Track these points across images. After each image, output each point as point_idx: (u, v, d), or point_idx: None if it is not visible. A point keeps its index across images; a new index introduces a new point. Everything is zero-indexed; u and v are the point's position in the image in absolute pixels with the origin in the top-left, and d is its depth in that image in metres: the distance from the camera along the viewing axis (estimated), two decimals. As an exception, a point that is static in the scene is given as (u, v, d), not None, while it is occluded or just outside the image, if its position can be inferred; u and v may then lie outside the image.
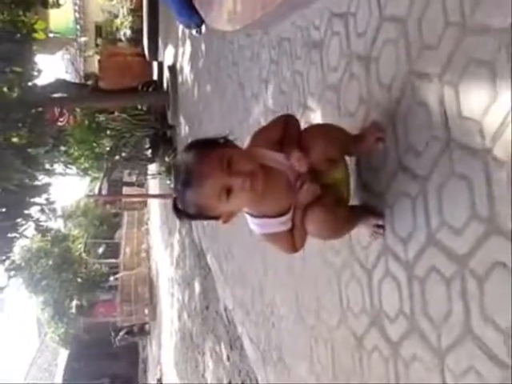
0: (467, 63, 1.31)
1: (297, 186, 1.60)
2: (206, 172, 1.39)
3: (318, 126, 2.02)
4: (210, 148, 1.47)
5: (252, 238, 3.43)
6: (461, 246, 1.32)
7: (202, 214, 1.48)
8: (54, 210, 10.20)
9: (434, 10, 1.45)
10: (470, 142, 1.30)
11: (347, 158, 1.82)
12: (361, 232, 1.83)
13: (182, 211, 1.48)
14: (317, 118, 2.32)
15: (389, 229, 1.68)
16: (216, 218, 1.52)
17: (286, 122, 1.69)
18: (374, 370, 1.79)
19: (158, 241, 12.91)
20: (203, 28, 5.59)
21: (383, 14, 1.77)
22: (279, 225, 1.61)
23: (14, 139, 8.40)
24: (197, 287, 6.11)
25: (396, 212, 1.65)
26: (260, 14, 2.86)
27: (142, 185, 17.17)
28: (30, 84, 8.53)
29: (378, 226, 1.71)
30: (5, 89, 8.16)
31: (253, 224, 1.65)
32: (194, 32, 5.84)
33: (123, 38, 15.30)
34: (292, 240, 1.67)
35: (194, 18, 5.39)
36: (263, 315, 3.21)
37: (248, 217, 1.64)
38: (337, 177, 1.72)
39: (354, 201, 1.89)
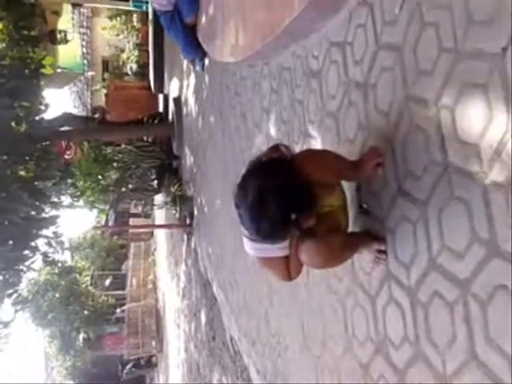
0: (462, 87, 1.32)
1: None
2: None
3: (311, 150, 2.03)
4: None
5: (256, 266, 3.41)
6: (462, 269, 1.31)
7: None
8: (61, 243, 10.20)
9: (428, 36, 1.48)
10: (467, 165, 1.30)
11: (345, 183, 1.83)
12: (363, 258, 1.82)
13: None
14: (317, 145, 2.34)
15: (391, 254, 1.67)
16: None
17: (277, 149, 1.69)
18: (380, 399, 1.75)
19: (165, 272, 12.85)
20: (206, 62, 5.71)
21: (379, 42, 1.80)
22: (276, 250, 1.61)
23: (22, 172, 8.49)
24: (203, 318, 6.04)
25: (397, 237, 1.64)
26: (260, 45, 2.92)
27: (148, 216, 17.20)
28: (37, 118, 8.67)
29: (380, 252, 1.70)
30: (12, 123, 8.28)
31: (250, 248, 1.65)
32: (197, 67, 5.97)
33: (129, 72, 15.62)
34: (287, 267, 1.67)
35: (198, 53, 5.52)
36: (269, 345, 3.16)
37: (246, 240, 1.64)
38: (333, 203, 1.72)
39: (354, 226, 1.89)
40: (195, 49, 5.62)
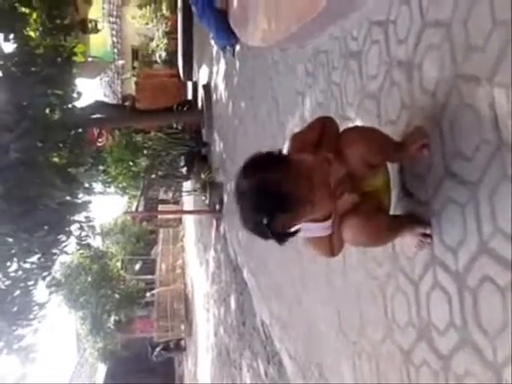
0: (518, 63, 1.26)
1: (336, 194, 1.56)
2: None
3: (357, 128, 1.96)
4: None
5: (289, 252, 3.39)
6: (516, 253, 1.26)
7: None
8: (92, 227, 10.41)
9: (481, 10, 1.41)
10: (523, 144, 1.25)
11: (389, 164, 1.78)
12: (406, 242, 1.78)
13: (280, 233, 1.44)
14: (356, 127, 2.29)
15: (436, 238, 1.62)
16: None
17: (324, 124, 1.65)
18: (422, 386, 1.72)
19: (194, 257, 12.98)
20: (237, 48, 5.67)
21: (425, 19, 1.74)
22: (324, 229, 1.58)
23: (55, 159, 8.66)
24: (233, 303, 6.07)
25: (444, 220, 1.59)
26: (295, 28, 2.87)
27: (177, 202, 17.36)
28: (70, 106, 8.80)
29: (425, 236, 1.65)
30: (47, 111, 8.43)
31: (303, 229, 1.62)
32: (228, 54, 5.94)
33: (159, 60, 15.69)
34: (331, 245, 1.64)
35: (230, 38, 5.48)
36: (302, 330, 3.15)
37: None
38: (376, 184, 1.67)
39: (397, 210, 1.84)
40: (227, 35, 5.58)
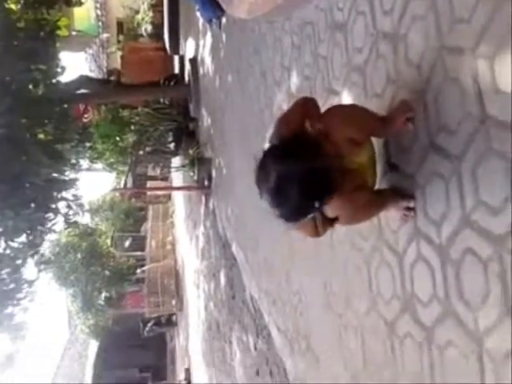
0: (503, 34, 1.25)
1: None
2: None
3: (339, 106, 1.98)
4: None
5: (277, 226, 3.40)
6: (498, 226, 1.27)
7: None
8: (81, 205, 10.35)
9: (466, -20, 1.39)
10: (507, 117, 1.24)
11: (374, 139, 1.78)
12: (390, 215, 1.79)
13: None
14: (343, 101, 2.27)
15: (420, 211, 1.63)
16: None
17: (304, 105, 1.67)
18: (406, 356, 1.75)
19: (183, 233, 13.01)
20: (223, 20, 5.56)
21: (410, -10, 1.71)
22: None
23: (41, 135, 8.53)
24: (222, 278, 6.12)
25: (428, 194, 1.59)
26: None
27: (165, 178, 17.29)
28: (54, 81, 8.63)
29: (409, 209, 1.66)
30: (30, 86, 8.26)
31: None
32: (214, 26, 5.83)
33: (144, 34, 15.38)
34: (315, 224, 1.65)
35: (216, 11, 5.37)
36: (290, 304, 3.18)
37: None
38: (361, 160, 1.67)
39: (382, 184, 1.84)
40: (213, 7, 5.47)
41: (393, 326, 1.82)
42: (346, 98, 2.24)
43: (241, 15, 4.24)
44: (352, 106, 1.78)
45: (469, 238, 1.38)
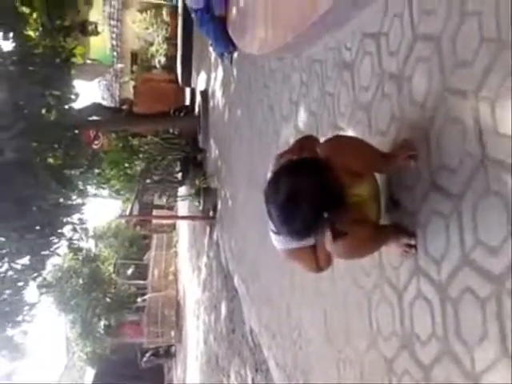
0: (504, 78, 1.29)
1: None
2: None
3: (340, 135, 2.01)
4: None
5: (279, 259, 3.40)
6: (497, 265, 1.28)
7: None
8: (85, 230, 10.38)
9: (469, 27, 1.44)
10: (505, 158, 1.27)
11: (377, 176, 1.80)
12: (392, 251, 1.79)
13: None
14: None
15: (421, 249, 1.64)
16: None
17: (301, 143, 1.75)
18: (404, 395, 1.73)
19: (186, 263, 12.95)
20: (235, 55, 5.71)
21: (416, 33, 1.77)
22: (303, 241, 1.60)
23: (50, 160, 8.64)
24: (223, 310, 6.06)
25: (429, 231, 1.61)
26: (291, 36, 2.90)
27: (171, 207, 17.33)
28: (67, 107, 8.80)
29: (409, 246, 1.67)
30: (43, 111, 8.43)
31: (275, 240, 1.65)
32: (226, 61, 5.98)
33: (158, 65, 15.74)
34: (315, 257, 1.66)
35: (228, 46, 5.53)
36: (290, 338, 3.15)
37: (271, 233, 1.64)
38: (363, 193, 1.69)
39: (384, 220, 1.86)
40: (225, 42, 5.63)
41: (391, 364, 1.81)
42: (351, 135, 2.28)
43: (252, 51, 4.37)
44: (352, 137, 1.83)
45: (468, 277, 1.39)
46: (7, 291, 8.57)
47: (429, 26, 1.68)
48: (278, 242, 1.67)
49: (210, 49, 6.69)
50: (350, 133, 2.31)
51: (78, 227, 9.24)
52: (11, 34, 7.97)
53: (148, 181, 11.02)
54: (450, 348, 1.45)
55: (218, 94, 7.40)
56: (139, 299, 17.10)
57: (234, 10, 5.17)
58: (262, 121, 4.28)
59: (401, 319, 1.74)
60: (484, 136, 1.36)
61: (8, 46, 8.04)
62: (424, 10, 1.71)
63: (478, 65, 1.39)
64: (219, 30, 5.62)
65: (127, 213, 13.40)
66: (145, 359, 14.88)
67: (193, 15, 6.22)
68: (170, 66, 14.60)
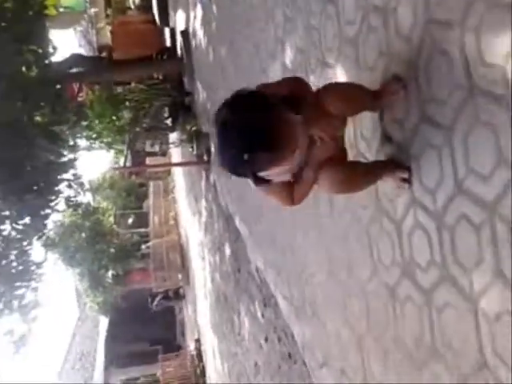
0: (488, 8, 1.28)
1: (316, 141, 1.58)
2: (286, 123, 1.34)
3: (336, 86, 1.88)
4: (263, 99, 1.37)
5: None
6: (489, 192, 1.33)
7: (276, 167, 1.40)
8: (81, 185, 10.40)
9: (452, -47, 1.41)
10: (493, 88, 1.29)
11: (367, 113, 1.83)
12: (387, 185, 1.85)
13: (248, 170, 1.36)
14: (336, 73, 2.30)
15: (416, 180, 1.69)
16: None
17: (290, 83, 1.65)
18: (407, 318, 1.84)
19: (186, 208, 13.11)
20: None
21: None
22: (284, 174, 1.50)
23: (37, 118, 8.51)
24: (227, 250, 6.23)
25: (422, 163, 1.65)
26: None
27: (164, 154, 17.30)
28: (47, 62, 8.56)
29: (404, 180, 1.72)
30: (23, 69, 8.20)
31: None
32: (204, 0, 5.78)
33: (133, 6, 15.13)
34: (291, 192, 1.63)
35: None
36: (295, 274, 3.28)
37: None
38: (342, 133, 1.75)
39: (379, 155, 1.90)
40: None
41: (394, 291, 1.91)
42: (340, 71, 2.27)
43: (231, -13, 4.22)
44: (348, 86, 1.82)
45: (462, 205, 1.45)
46: (13, 252, 8.73)
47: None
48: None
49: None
50: (339, 69, 2.30)
51: (73, 183, 9.27)
52: (-23, -10, 7.62)
53: (138, 129, 10.92)
54: (448, 273, 1.54)
55: (200, 33, 7.19)
56: (143, 246, 17.47)
57: None
58: (248, 59, 4.21)
59: (400, 249, 1.82)
60: (471, 66, 1.37)
61: (-25, 2, 7.70)
62: None
63: (462, -7, 1.38)
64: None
65: (121, 164, 13.40)
66: (155, 303, 15.42)
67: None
68: (145, 6, 14.04)
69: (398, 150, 1.80)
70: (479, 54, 1.32)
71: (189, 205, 12.16)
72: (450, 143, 1.48)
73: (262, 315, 4.38)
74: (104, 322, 19.20)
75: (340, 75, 2.26)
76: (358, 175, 1.74)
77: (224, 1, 5.05)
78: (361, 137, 2.09)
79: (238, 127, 1.31)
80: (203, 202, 8.67)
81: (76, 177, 9.32)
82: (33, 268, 9.12)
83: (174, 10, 10.57)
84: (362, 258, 2.16)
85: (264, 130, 1.29)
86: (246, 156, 1.29)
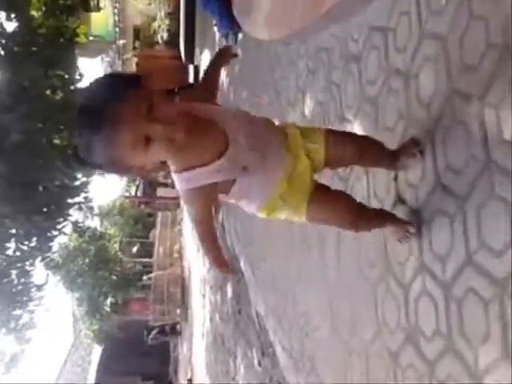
0: (508, 85, 1.30)
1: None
2: (122, 113, 1.14)
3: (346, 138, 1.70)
4: (130, 86, 1.22)
5: (285, 244, 3.46)
6: (500, 268, 1.32)
7: (111, 165, 1.23)
8: (91, 209, 10.46)
9: (476, 29, 1.45)
10: (510, 165, 1.29)
11: (383, 172, 1.83)
12: (396, 246, 1.83)
13: (87, 161, 1.22)
14: (354, 130, 2.33)
15: (426, 245, 1.68)
16: (127, 171, 1.29)
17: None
18: (408, 386, 1.79)
19: (191, 242, 13.06)
20: (240, 36, 5.67)
21: (424, 31, 1.77)
22: (211, 173, 1.33)
23: (56, 141, 8.67)
24: (229, 291, 6.15)
25: (434, 229, 1.64)
26: (299, 25, 2.89)
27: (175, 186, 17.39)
28: (72, 88, 8.78)
29: (408, 233, 1.72)
30: (48, 92, 8.42)
31: (180, 182, 1.35)
32: (230, 41, 5.94)
33: (160, 41, 15.58)
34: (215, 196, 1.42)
35: (233, 26, 5.49)
36: (296, 324, 3.22)
37: (175, 176, 1.35)
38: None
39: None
40: (230, 22, 5.59)
41: (396, 356, 1.87)
42: (358, 128, 2.30)
43: (257, 35, 4.34)
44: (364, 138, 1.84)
45: (472, 278, 1.43)
46: (15, 271, 8.71)
47: (436, 25, 1.68)
48: (183, 182, 1.36)
49: (214, 28, 6.63)
50: (357, 125, 2.32)
51: (83, 206, 9.33)
52: (14, 15, 7.91)
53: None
54: (454, 345, 1.50)
55: (222, 73, 7.35)
56: (145, 277, 17.33)
57: (239, -7, 5.12)
58: (268, 104, 4.28)
59: (406, 313, 1.79)
60: (489, 140, 1.38)
61: (12, 26, 7.99)
62: (432, 9, 1.71)
63: (484, 69, 1.41)
64: (224, 10, 5.57)
65: (132, 193, 13.49)
66: (151, 336, 15.15)
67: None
68: (172, 42, 14.46)
69: (410, 212, 1.80)
70: (498, 129, 1.33)
71: (194, 239, 12.13)
72: (463, 213, 1.48)
73: (259, 363, 4.28)
74: (97, 351, 18.87)
75: (358, 131, 2.28)
76: (369, 217, 1.69)
77: (249, 45, 5.18)
78: (374, 195, 2.09)
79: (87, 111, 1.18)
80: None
81: (87, 200, 9.40)
82: (33, 290, 9.07)
83: (200, 48, 10.85)
84: (367, 318, 2.12)
85: (100, 109, 1.14)
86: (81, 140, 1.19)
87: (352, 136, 1.82)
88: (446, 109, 1.59)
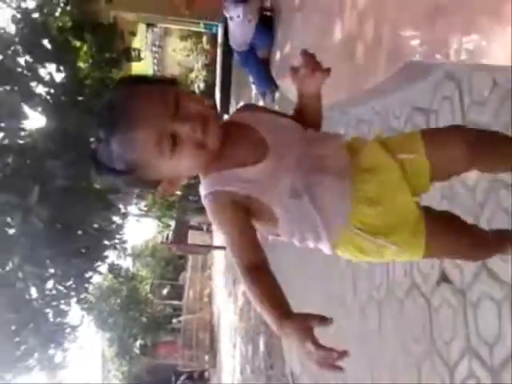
0: None
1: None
2: (144, 111, 1.00)
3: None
4: (154, 84, 1.10)
5: (325, 304, 3.47)
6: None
7: (133, 174, 1.04)
8: (125, 250, 10.69)
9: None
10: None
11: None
12: (442, 325, 1.87)
13: (105, 167, 1.05)
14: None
15: (472, 329, 1.71)
16: (153, 184, 1.10)
17: None
18: None
19: (222, 287, 13.05)
20: (277, 95, 5.87)
21: (466, 118, 1.86)
22: (239, 182, 1.07)
23: (96, 186, 9.00)
24: (261, 344, 6.11)
25: (479, 312, 1.68)
26: (340, 98, 3.02)
27: (209, 230, 17.60)
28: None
29: None
30: (92, 139, 8.79)
31: (205, 188, 1.11)
32: (267, 99, 6.15)
33: (197, 91, 16.14)
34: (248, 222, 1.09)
35: (271, 85, 5.70)
36: (334, 387, 3.20)
37: (201, 187, 1.13)
38: None
39: (435, 292, 1.93)
40: (268, 82, 5.82)
41: None
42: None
43: (294, 99, 4.51)
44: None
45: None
46: (51, 313, 8.89)
47: (479, 115, 1.77)
48: (206, 187, 1.12)
49: (252, 85, 6.87)
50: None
51: (118, 246, 9.58)
52: (63, 67, 8.44)
53: (188, 205, 11.28)
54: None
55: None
56: (174, 320, 17.32)
57: (278, 55, 5.35)
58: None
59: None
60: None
61: (60, 77, 8.51)
62: (474, 99, 1.81)
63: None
64: (262, 70, 5.80)
65: (165, 237, 13.70)
66: (179, 382, 15.00)
67: (236, 55, 6.44)
68: (209, 93, 14.96)
69: (454, 291, 1.84)
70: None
71: (225, 285, 12.12)
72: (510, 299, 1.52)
73: (292, 423, 4.22)
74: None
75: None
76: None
77: (287, 105, 5.35)
78: (417, 269, 2.14)
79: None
80: (241, 287, 8.66)
81: (121, 241, 9.65)
82: (68, 330, 9.21)
83: (236, 99, 11.19)
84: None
85: (120, 109, 1.02)
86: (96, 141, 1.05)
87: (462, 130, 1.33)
88: (490, 196, 1.66)
